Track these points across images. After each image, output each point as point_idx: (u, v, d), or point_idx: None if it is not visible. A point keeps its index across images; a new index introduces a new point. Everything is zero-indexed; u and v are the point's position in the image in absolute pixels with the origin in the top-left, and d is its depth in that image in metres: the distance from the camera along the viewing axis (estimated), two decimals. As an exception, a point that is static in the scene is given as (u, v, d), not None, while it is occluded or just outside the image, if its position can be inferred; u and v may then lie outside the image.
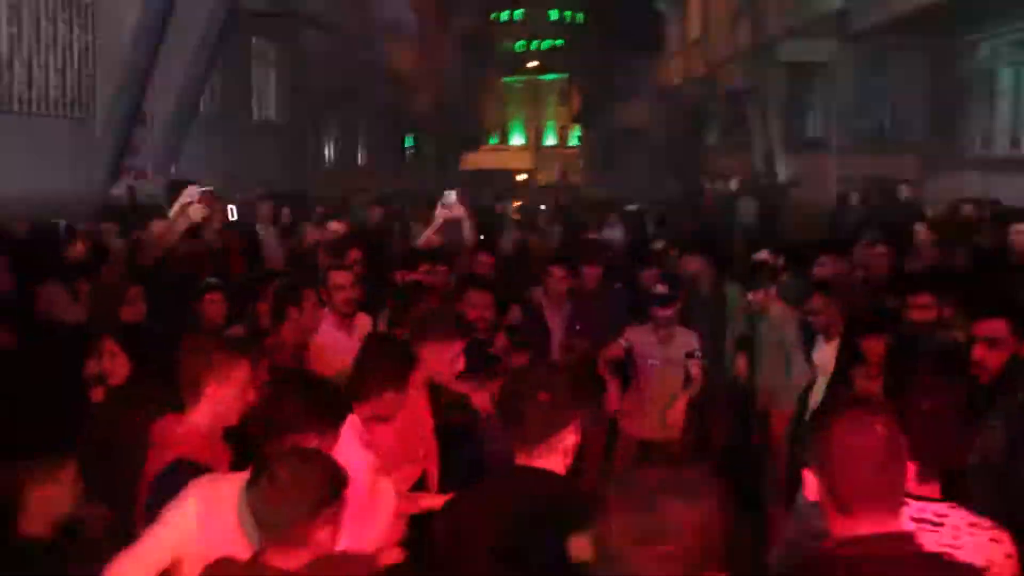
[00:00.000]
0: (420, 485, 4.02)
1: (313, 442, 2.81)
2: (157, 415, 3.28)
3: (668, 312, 5.92)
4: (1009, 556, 2.52)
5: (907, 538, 2.02)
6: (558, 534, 2.42)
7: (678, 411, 5.97)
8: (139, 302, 5.57)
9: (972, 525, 2.52)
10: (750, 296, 6.44)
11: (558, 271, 6.40)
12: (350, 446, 3.19)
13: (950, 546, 2.47)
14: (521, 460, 2.59)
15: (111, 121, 12.80)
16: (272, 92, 19.74)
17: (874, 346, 4.96)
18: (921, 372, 2.79)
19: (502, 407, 2.63)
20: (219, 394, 3.18)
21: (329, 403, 3.00)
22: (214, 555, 2.60)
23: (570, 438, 2.59)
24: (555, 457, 2.57)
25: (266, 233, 9.96)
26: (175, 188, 11.14)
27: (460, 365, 4.25)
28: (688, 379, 5.99)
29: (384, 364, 3.63)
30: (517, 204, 21.17)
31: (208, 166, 14.36)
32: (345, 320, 5.46)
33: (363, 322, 5.64)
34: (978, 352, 3.61)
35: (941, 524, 2.51)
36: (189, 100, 14.39)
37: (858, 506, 2.00)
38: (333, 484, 2.51)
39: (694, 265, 7.07)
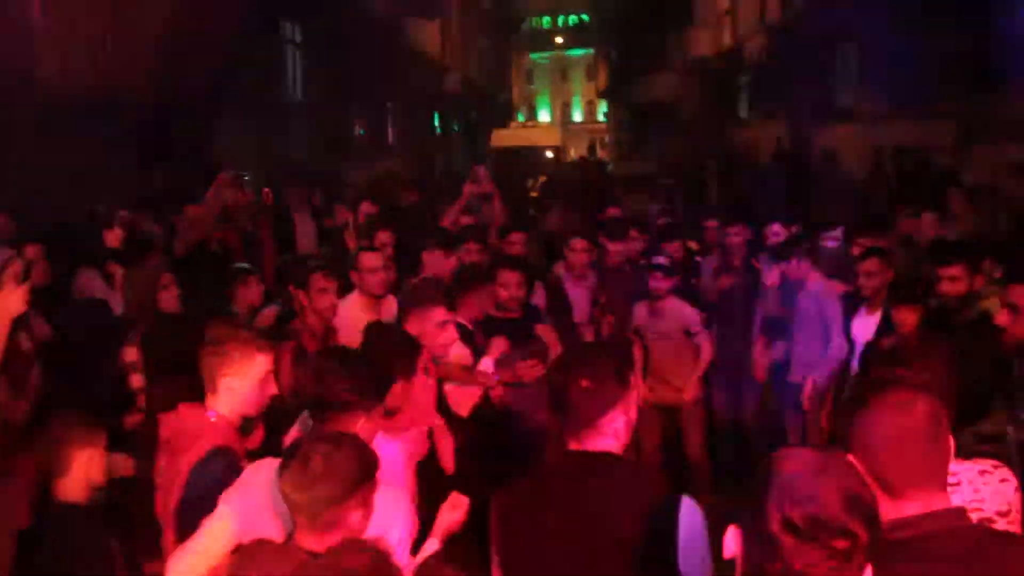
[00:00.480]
0: (429, 462, 4.02)
1: (361, 419, 2.86)
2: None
3: (661, 285, 6.18)
4: (1017, 489, 2.58)
5: (958, 513, 1.99)
6: (619, 515, 2.43)
7: (692, 383, 6.37)
8: (173, 288, 5.62)
9: (982, 473, 2.57)
10: (784, 269, 6.39)
11: (579, 244, 6.42)
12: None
13: (975, 501, 2.51)
14: (573, 446, 2.58)
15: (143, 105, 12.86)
16: (300, 74, 19.74)
17: (906, 317, 4.92)
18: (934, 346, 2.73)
19: (550, 396, 2.61)
20: (235, 386, 3.20)
21: (372, 378, 3.03)
22: (248, 538, 2.63)
23: (620, 419, 2.57)
24: (605, 440, 2.56)
25: (299, 216, 10.01)
26: (208, 173, 11.26)
27: (450, 334, 4.38)
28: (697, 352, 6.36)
29: (387, 357, 3.59)
30: (544, 180, 21.16)
31: (240, 149, 14.40)
32: (374, 301, 5.48)
33: (392, 305, 5.59)
34: (1002, 318, 3.57)
35: (958, 483, 2.53)
36: (219, 84, 14.41)
37: (907, 488, 1.96)
38: (364, 467, 2.52)
39: (738, 238, 7.05)
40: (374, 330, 4.01)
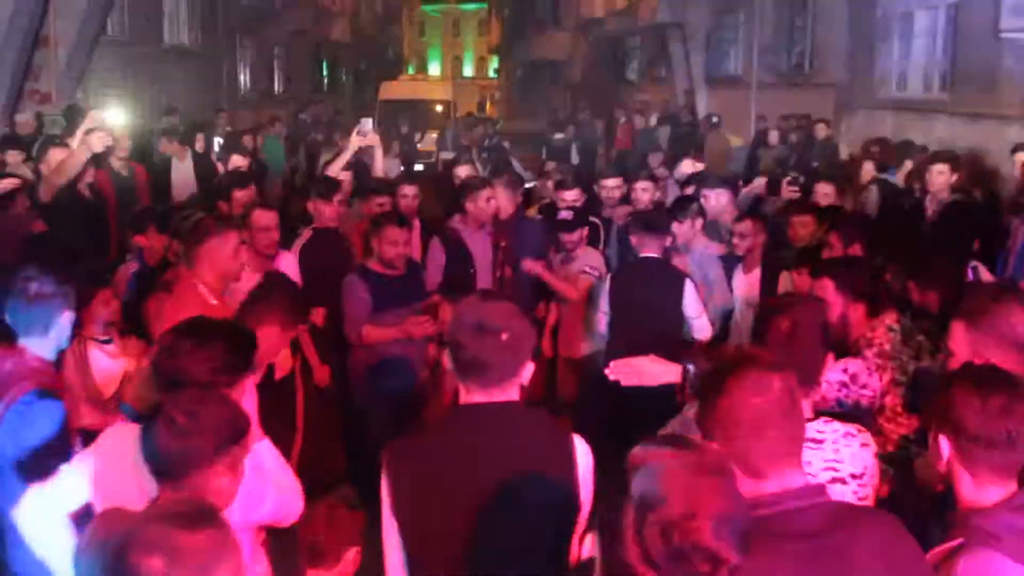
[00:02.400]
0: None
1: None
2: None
3: (572, 237, 6.19)
4: (875, 455, 2.72)
5: (816, 490, 2.00)
6: (524, 460, 2.39)
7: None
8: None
9: (846, 435, 2.67)
10: (674, 228, 6.45)
11: (485, 193, 6.34)
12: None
13: (833, 460, 2.63)
14: (477, 396, 2.44)
15: (9, 43, 12.15)
16: (183, 16, 19.00)
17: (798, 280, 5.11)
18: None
19: (457, 353, 2.43)
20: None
21: (234, 354, 2.76)
22: (105, 504, 2.51)
23: (528, 369, 2.48)
24: (512, 390, 2.46)
25: (179, 163, 9.68)
26: (74, 113, 10.73)
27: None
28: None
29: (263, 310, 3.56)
30: (435, 134, 20.94)
31: (116, 92, 13.81)
32: (267, 261, 5.27)
33: (288, 263, 5.49)
34: None
35: (822, 440, 2.63)
36: (94, 22, 13.76)
37: (767, 468, 1.96)
38: (234, 427, 2.34)
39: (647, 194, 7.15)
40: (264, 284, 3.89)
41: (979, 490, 2.17)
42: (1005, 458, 2.15)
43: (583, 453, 2.50)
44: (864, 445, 2.68)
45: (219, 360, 2.66)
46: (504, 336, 2.38)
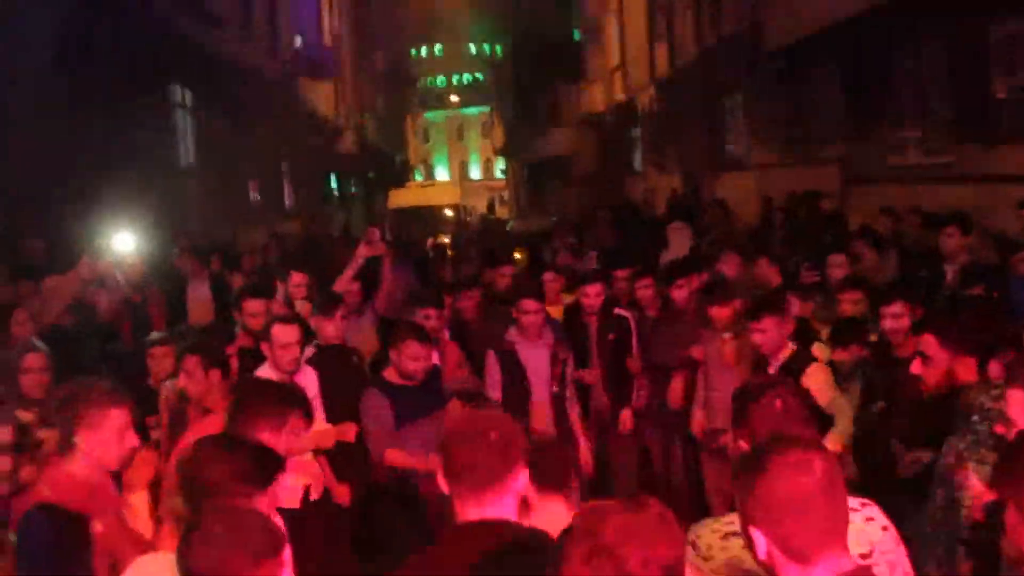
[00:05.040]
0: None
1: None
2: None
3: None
4: (884, 528, 2.57)
5: (864, 572, 1.95)
6: None
7: None
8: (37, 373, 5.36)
9: (852, 510, 2.53)
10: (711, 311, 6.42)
11: (531, 305, 6.27)
12: None
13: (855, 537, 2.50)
14: (471, 511, 2.41)
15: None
16: (191, 138, 19.41)
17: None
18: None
19: (448, 458, 2.45)
20: (91, 442, 3.27)
21: (258, 462, 2.79)
22: None
23: (523, 476, 2.45)
24: (507, 500, 2.42)
25: (193, 284, 9.75)
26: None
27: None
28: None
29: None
30: (447, 240, 21.14)
31: (131, 217, 14.01)
32: (287, 377, 5.16)
33: (308, 378, 5.42)
34: (915, 368, 3.68)
35: None
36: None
37: (813, 552, 1.90)
38: (270, 538, 2.34)
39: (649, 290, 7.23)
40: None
41: None
42: None
43: None
44: (869, 519, 2.57)
45: (240, 466, 2.66)
46: (493, 436, 2.38)
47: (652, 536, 1.64)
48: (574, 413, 6.36)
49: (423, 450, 5.11)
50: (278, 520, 2.73)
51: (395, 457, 5.25)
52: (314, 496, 5.22)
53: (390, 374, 5.44)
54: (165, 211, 14.54)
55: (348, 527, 5.54)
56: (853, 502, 2.51)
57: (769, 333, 5.40)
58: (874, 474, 4.94)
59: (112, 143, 13.04)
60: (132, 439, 3.42)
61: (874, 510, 2.58)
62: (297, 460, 5.09)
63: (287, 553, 2.42)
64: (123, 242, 8.20)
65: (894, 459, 4.70)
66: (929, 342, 3.62)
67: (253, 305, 6.19)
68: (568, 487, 3.06)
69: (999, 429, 2.89)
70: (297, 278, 7.23)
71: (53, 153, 11.15)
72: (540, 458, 3.08)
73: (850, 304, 6.13)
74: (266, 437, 3.39)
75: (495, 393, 6.10)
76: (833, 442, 5.07)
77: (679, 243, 10.97)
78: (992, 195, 10.45)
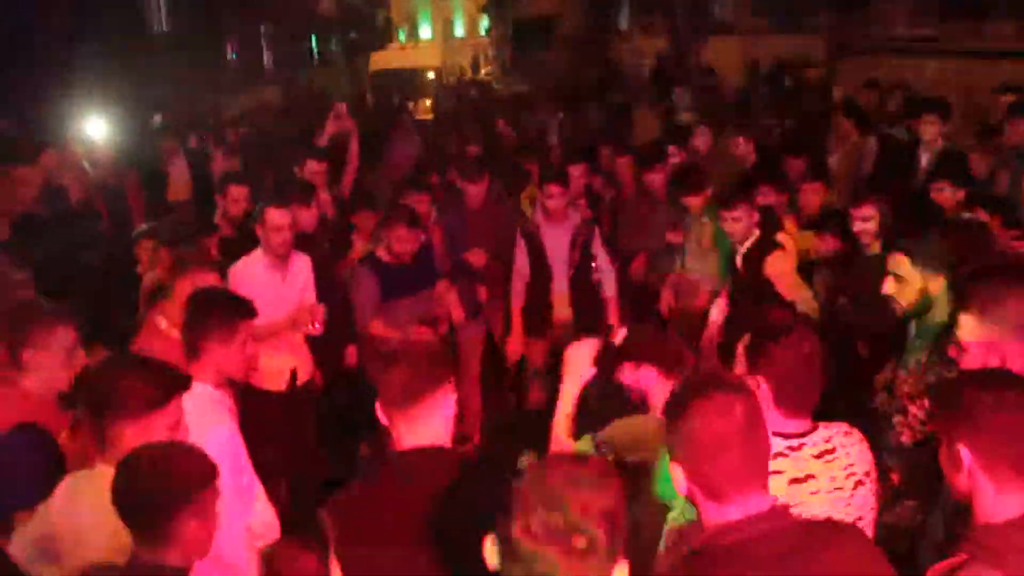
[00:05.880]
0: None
1: (155, 419, 2.74)
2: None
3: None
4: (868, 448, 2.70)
5: (780, 513, 2.01)
6: (453, 514, 2.41)
7: None
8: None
9: (846, 435, 2.67)
10: (685, 199, 6.43)
11: (555, 189, 6.23)
12: (208, 422, 3.15)
13: (850, 465, 2.63)
14: (407, 438, 2.52)
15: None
16: (162, 1, 18.83)
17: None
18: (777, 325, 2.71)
19: (380, 386, 2.57)
20: (38, 361, 3.32)
21: (156, 382, 2.84)
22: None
23: (450, 398, 2.56)
24: (436, 423, 2.53)
25: (172, 166, 9.65)
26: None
27: None
28: None
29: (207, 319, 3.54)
30: (429, 102, 20.81)
31: (102, 86, 13.70)
32: (279, 262, 5.26)
33: (301, 265, 5.44)
34: (888, 287, 3.70)
35: (834, 449, 2.63)
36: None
37: (731, 491, 1.97)
38: (200, 472, 2.42)
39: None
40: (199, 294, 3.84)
41: (999, 499, 2.10)
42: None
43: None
44: (862, 440, 2.70)
45: (138, 386, 2.75)
46: (414, 359, 2.50)
47: (593, 484, 1.72)
48: (610, 289, 6.35)
49: (409, 325, 5.46)
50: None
51: (377, 328, 5.56)
52: (301, 380, 5.35)
53: (381, 252, 5.71)
54: (138, 83, 14.24)
55: (322, 411, 5.70)
56: (843, 426, 2.67)
57: (742, 221, 5.47)
58: (834, 367, 5.08)
59: (77, 12, 12.65)
60: (80, 358, 3.47)
61: (857, 433, 2.70)
62: (286, 342, 5.20)
63: (219, 482, 2.50)
64: (93, 128, 8.08)
65: (857, 357, 4.82)
66: (900, 262, 3.65)
67: (236, 191, 6.18)
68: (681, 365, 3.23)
69: (951, 352, 2.93)
70: (314, 165, 7.08)
71: (14, 27, 10.83)
72: (653, 345, 3.32)
73: (811, 194, 6.17)
74: (216, 348, 3.47)
75: (524, 272, 6.27)
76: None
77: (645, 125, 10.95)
78: (977, 71, 10.34)
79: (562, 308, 6.30)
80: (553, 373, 6.43)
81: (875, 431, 3.66)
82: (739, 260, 5.56)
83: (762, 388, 2.52)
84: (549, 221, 6.27)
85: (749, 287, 5.45)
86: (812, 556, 1.93)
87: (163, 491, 2.33)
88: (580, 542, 1.65)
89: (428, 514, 2.39)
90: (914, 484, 3.49)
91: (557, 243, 6.25)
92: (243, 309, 3.59)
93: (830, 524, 2.15)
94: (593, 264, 6.30)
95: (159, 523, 2.33)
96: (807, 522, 2.09)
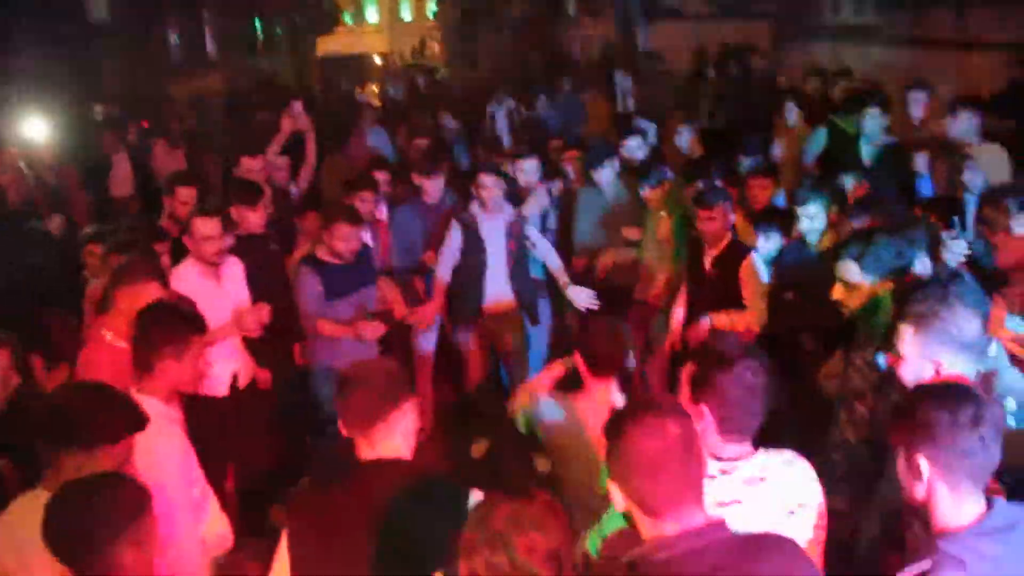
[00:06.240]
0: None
1: (104, 453, 2.70)
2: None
3: None
4: (814, 479, 2.70)
5: (715, 527, 2.08)
6: (411, 523, 2.49)
7: None
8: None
9: (787, 463, 2.68)
10: (644, 193, 6.49)
11: (489, 179, 6.28)
12: (160, 439, 3.11)
13: (782, 494, 2.63)
14: (366, 452, 2.64)
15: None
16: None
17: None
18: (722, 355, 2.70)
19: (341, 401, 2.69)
20: None
21: (118, 413, 2.83)
22: None
23: (406, 419, 2.67)
24: (393, 439, 2.65)
25: (116, 159, 9.48)
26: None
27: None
28: None
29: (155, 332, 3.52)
30: (376, 87, 20.62)
31: (39, 78, 13.37)
32: (213, 268, 5.22)
33: (233, 267, 5.41)
34: (837, 293, 3.76)
35: (764, 478, 2.64)
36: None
37: (666, 509, 2.05)
38: (131, 503, 2.37)
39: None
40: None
41: (956, 507, 2.24)
42: (982, 465, 2.24)
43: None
44: (806, 470, 2.70)
45: (94, 421, 2.74)
46: (374, 381, 2.63)
47: (537, 525, 1.74)
48: (553, 262, 6.46)
49: (358, 320, 5.56)
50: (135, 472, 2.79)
51: (325, 327, 5.59)
52: (242, 383, 5.33)
53: (322, 252, 5.68)
54: (76, 72, 13.90)
55: (270, 412, 5.68)
56: (788, 455, 2.67)
57: (717, 222, 5.48)
58: (778, 361, 5.14)
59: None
60: (13, 378, 3.59)
61: (804, 462, 2.70)
62: (226, 346, 5.19)
63: (153, 507, 2.46)
64: (31, 124, 7.91)
65: (800, 351, 4.89)
66: (849, 268, 3.72)
67: (185, 193, 6.11)
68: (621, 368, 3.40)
69: (889, 360, 3.01)
70: (249, 162, 6.98)
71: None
72: (589, 343, 3.45)
73: (759, 189, 6.24)
74: (170, 364, 3.44)
75: (450, 260, 6.31)
76: (745, 321, 5.27)
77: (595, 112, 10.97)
78: (920, 58, 10.49)
79: (501, 297, 6.36)
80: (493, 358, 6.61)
81: (817, 425, 3.75)
82: (708, 262, 5.56)
83: (705, 416, 2.56)
84: (486, 212, 6.30)
85: (715, 289, 5.49)
86: (743, 570, 2.00)
87: (92, 526, 2.28)
88: None
89: (381, 523, 2.48)
90: (854, 478, 3.58)
91: (494, 234, 6.30)
92: (195, 324, 3.57)
93: (763, 537, 2.21)
94: (531, 247, 6.39)
95: (90, 558, 2.29)
96: (741, 536, 2.14)
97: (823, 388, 4.31)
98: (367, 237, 6.33)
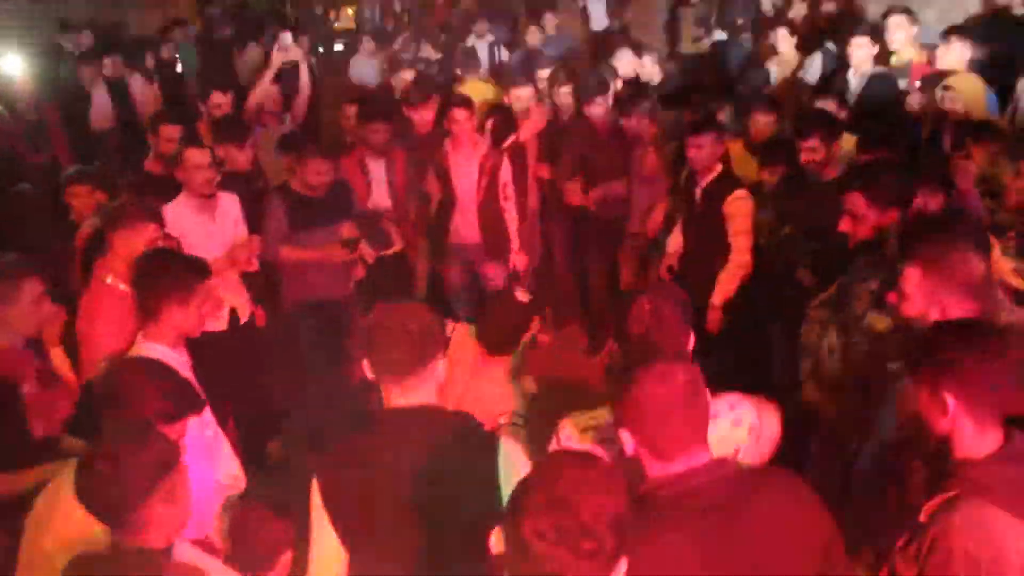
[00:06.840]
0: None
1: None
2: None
3: None
4: (751, 430, 2.74)
5: (719, 464, 2.21)
6: (446, 470, 2.49)
7: None
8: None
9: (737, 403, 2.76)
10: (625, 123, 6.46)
11: (461, 114, 6.17)
12: None
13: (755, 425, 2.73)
14: (398, 399, 2.58)
15: None
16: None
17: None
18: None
19: (371, 353, 2.58)
20: (8, 314, 3.48)
21: (174, 399, 2.91)
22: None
23: (441, 366, 2.62)
24: (428, 387, 2.59)
25: (96, 94, 9.27)
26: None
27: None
28: None
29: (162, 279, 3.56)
30: (351, 10, 19.99)
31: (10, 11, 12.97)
32: (206, 202, 5.19)
33: (229, 203, 5.37)
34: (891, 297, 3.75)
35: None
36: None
37: (673, 451, 2.17)
38: (160, 460, 2.41)
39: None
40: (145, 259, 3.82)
41: (979, 438, 2.35)
42: (1004, 397, 2.34)
43: (509, 455, 2.60)
44: (736, 423, 2.72)
45: (159, 404, 2.82)
46: (411, 328, 2.53)
47: (604, 488, 1.79)
48: (511, 220, 6.37)
49: (325, 245, 5.58)
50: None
51: (288, 253, 5.59)
52: (243, 319, 5.36)
53: (295, 182, 5.65)
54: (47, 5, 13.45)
55: (265, 349, 5.70)
56: (723, 406, 2.73)
57: (705, 150, 5.42)
58: (776, 296, 5.19)
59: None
60: (47, 306, 3.62)
61: (743, 411, 2.75)
62: (223, 281, 5.14)
63: (183, 461, 2.51)
64: (7, 64, 7.73)
65: (798, 285, 4.91)
66: (856, 201, 3.74)
67: (169, 130, 6.04)
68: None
69: (892, 298, 3.05)
70: (219, 96, 6.86)
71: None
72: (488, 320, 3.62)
73: (764, 124, 6.19)
74: (174, 310, 3.49)
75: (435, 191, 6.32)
76: (736, 275, 5.31)
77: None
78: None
79: (469, 234, 6.32)
80: (469, 292, 6.56)
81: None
82: (698, 193, 5.54)
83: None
84: (456, 147, 6.23)
85: (702, 223, 5.48)
86: (745, 501, 2.13)
87: (122, 486, 2.32)
88: (589, 545, 1.74)
89: (418, 472, 2.47)
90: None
91: (464, 170, 6.23)
92: (199, 269, 3.57)
93: (766, 471, 2.35)
94: (502, 195, 6.30)
95: (124, 515, 2.34)
96: (745, 471, 2.28)
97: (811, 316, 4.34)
98: (380, 168, 6.31)
